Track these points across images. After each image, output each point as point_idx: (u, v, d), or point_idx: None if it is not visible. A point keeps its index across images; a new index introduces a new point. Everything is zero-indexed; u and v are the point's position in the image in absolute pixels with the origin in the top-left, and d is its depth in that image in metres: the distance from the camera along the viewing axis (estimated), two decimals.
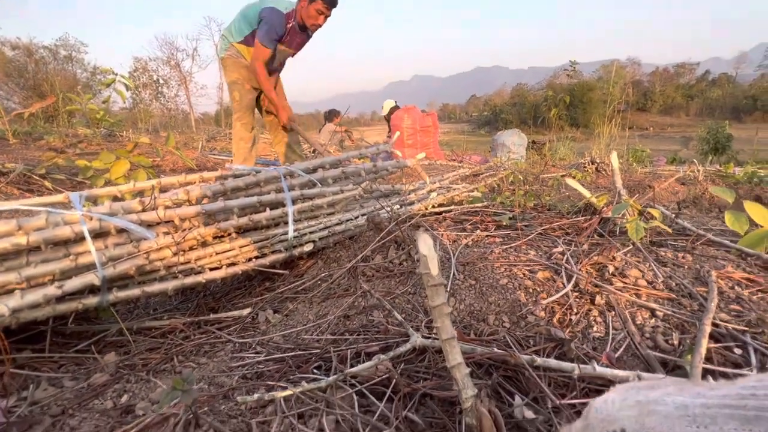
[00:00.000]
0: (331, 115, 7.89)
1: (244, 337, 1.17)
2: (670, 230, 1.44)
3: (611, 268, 1.16)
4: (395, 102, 7.27)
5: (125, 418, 0.78)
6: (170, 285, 1.31)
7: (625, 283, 1.09)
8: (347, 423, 0.67)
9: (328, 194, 1.72)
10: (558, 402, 0.70)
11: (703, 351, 0.79)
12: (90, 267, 1.15)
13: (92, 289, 1.20)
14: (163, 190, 1.50)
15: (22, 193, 2.32)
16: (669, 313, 0.95)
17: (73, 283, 1.10)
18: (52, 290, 1.06)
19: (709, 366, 0.78)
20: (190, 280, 1.35)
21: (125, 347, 1.22)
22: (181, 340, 1.22)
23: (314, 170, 1.81)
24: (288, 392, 0.73)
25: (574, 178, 4.95)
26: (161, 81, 20.87)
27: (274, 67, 3.02)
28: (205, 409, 0.74)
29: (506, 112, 22.70)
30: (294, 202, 1.61)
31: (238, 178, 1.56)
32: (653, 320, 0.94)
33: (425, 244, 0.66)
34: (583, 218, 1.72)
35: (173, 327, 1.30)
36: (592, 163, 5.58)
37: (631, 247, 1.37)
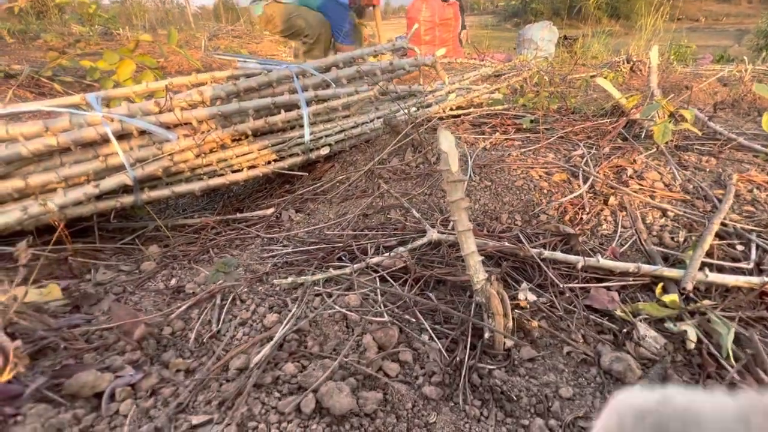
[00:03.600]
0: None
1: (270, 233, 1.26)
2: (699, 133, 1.38)
3: (630, 171, 1.15)
4: None
5: (178, 295, 0.90)
6: (197, 186, 1.37)
7: (642, 185, 1.10)
8: (370, 300, 0.76)
9: (343, 95, 1.66)
10: (562, 286, 0.77)
11: (705, 246, 0.83)
12: (120, 168, 1.21)
13: (126, 189, 1.27)
14: (175, 91, 1.47)
15: (35, 96, 2.30)
16: (680, 213, 0.98)
17: (108, 183, 1.17)
18: (90, 189, 1.14)
19: (708, 260, 0.83)
20: (214, 181, 1.41)
21: (164, 242, 1.34)
22: (214, 235, 1.32)
23: (327, 69, 1.72)
24: (318, 276, 0.82)
25: (605, 78, 4.58)
26: None
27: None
28: (245, 289, 0.85)
29: (537, 1, 19.94)
30: (308, 103, 1.57)
31: (250, 77, 1.50)
32: (663, 219, 0.97)
33: (447, 141, 0.67)
34: (608, 121, 1.65)
35: (205, 224, 1.40)
36: (628, 62, 5.09)
37: (655, 150, 1.34)
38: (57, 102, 1.19)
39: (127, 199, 1.25)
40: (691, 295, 0.77)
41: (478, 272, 0.68)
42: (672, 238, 0.91)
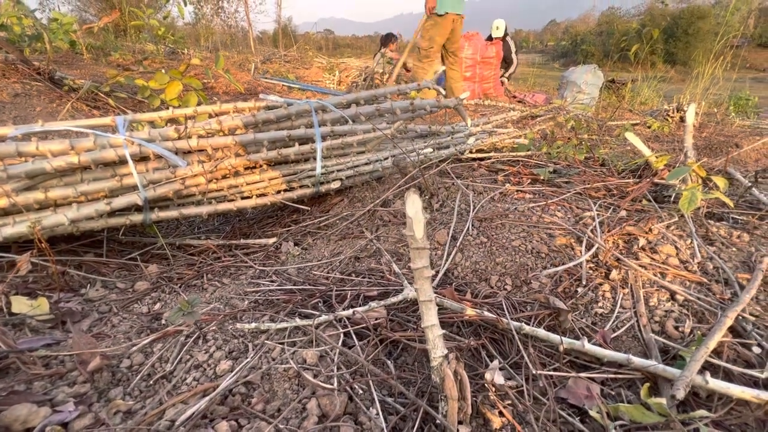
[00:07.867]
0: (387, 39, 7.37)
1: (264, 265, 1.27)
2: (731, 204, 1.26)
3: (642, 242, 1.06)
4: (505, 27, 6.65)
5: (153, 323, 0.91)
6: (204, 209, 1.42)
7: (653, 259, 1.01)
8: (327, 359, 0.73)
9: (359, 132, 1.69)
10: (534, 371, 0.71)
11: (712, 344, 0.73)
12: (133, 188, 1.27)
13: (138, 208, 1.34)
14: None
15: (90, 110, 2.53)
16: (691, 298, 0.88)
17: (119, 201, 1.23)
18: (101, 206, 1.20)
19: (716, 360, 0.73)
20: (222, 206, 1.46)
21: (167, 260, 1.38)
22: (212, 260, 1.35)
23: (348, 105, 1.76)
24: (283, 325, 0.80)
25: (649, 127, 4.38)
26: None
27: None
28: (213, 327, 0.84)
29: (589, 42, 19.70)
30: (324, 138, 1.61)
31: (270, 110, 1.57)
32: (669, 303, 0.87)
33: (413, 206, 0.65)
34: (633, 181, 1.55)
35: (207, 247, 1.44)
36: (678, 111, 4.87)
37: (678, 219, 1.23)
38: (86, 122, 1.29)
39: (137, 218, 1.31)
40: (689, 399, 0.68)
41: (436, 348, 0.63)
42: (677, 327, 0.81)
